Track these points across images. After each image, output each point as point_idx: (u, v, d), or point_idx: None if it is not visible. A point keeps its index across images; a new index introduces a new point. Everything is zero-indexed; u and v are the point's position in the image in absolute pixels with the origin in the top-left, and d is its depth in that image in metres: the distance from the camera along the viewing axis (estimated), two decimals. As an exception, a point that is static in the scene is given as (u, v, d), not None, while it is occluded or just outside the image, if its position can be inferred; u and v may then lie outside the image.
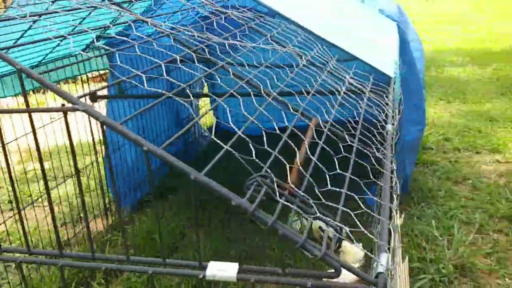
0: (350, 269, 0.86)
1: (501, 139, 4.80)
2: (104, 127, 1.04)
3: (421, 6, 16.60)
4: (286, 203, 0.95)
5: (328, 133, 1.21)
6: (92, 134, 3.24)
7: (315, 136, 1.25)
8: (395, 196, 1.13)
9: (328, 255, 0.85)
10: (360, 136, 1.23)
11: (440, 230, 3.31)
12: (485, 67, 7.79)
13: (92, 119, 2.03)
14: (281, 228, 0.87)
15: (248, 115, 1.31)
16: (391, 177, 1.08)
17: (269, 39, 2.08)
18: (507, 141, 4.73)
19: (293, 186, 1.01)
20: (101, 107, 3.66)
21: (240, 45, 1.94)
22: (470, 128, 5.19)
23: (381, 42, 2.09)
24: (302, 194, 1.01)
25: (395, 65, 1.86)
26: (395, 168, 1.25)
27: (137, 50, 1.71)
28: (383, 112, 1.37)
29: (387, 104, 1.44)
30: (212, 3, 2.74)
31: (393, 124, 1.30)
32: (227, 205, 0.94)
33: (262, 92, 1.61)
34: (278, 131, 1.43)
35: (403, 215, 2.89)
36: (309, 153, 1.10)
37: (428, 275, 2.82)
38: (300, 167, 1.05)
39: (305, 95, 1.49)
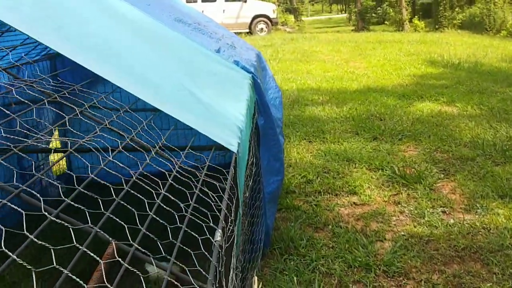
0: None
1: (357, 180, 5.00)
2: None
3: (288, 46, 17.53)
4: None
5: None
6: None
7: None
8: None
9: None
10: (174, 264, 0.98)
11: (302, 285, 3.22)
12: (342, 106, 8.28)
13: None
14: None
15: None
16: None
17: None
18: (362, 182, 4.94)
19: None
20: None
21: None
22: (329, 169, 5.35)
23: (228, 104, 1.92)
24: None
25: (239, 132, 1.68)
26: None
27: None
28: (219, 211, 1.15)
29: (222, 192, 1.22)
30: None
31: (228, 226, 1.08)
32: None
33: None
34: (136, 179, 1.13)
35: (260, 284, 2.72)
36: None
37: None
38: None
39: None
